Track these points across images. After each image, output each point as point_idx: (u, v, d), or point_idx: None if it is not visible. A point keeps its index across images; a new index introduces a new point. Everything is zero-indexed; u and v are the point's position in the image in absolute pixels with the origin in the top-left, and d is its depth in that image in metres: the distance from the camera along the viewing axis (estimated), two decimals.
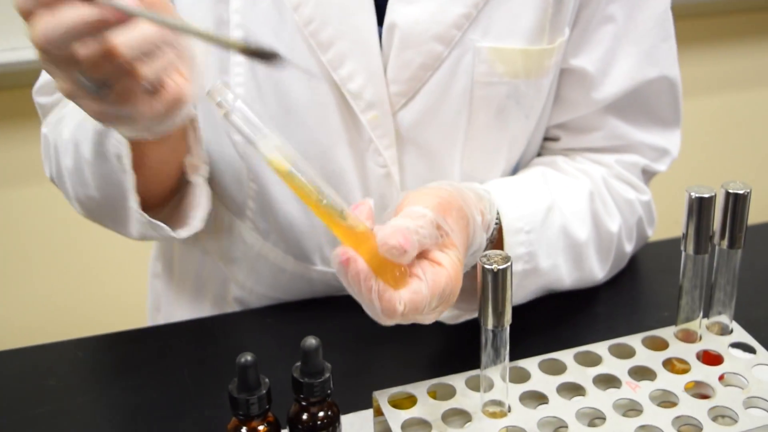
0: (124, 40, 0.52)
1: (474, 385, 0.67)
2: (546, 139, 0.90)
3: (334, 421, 0.61)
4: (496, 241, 0.74)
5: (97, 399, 0.76)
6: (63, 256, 1.76)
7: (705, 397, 0.66)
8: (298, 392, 0.59)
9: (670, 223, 1.08)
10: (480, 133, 0.80)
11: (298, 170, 0.57)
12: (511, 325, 0.61)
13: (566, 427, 0.63)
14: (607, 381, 0.68)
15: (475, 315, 0.63)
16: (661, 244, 0.95)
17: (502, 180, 0.80)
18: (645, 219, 0.89)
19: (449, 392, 0.66)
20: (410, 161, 0.81)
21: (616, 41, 0.81)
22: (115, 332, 0.86)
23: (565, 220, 0.78)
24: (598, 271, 0.84)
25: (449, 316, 0.75)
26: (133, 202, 0.74)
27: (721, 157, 2.13)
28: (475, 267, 0.63)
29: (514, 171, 0.87)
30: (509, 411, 0.65)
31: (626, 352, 0.70)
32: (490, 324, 0.60)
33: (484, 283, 0.58)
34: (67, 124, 0.77)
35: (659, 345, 0.71)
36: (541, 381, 0.67)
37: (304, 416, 0.60)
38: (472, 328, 0.72)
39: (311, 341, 0.58)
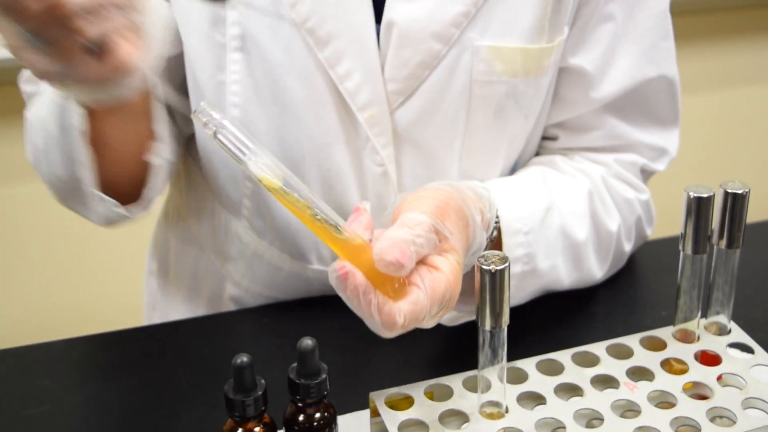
0: None
1: (471, 386, 0.66)
2: (544, 138, 0.89)
3: (330, 423, 0.61)
4: (496, 240, 0.74)
5: (92, 399, 0.75)
6: (60, 253, 1.76)
7: (703, 397, 0.66)
8: (295, 393, 0.59)
9: (668, 222, 1.08)
10: (478, 132, 0.80)
11: (289, 186, 0.57)
12: (508, 325, 0.61)
13: (564, 427, 0.63)
14: (605, 381, 0.67)
15: (473, 317, 0.63)
16: (659, 243, 0.95)
17: (501, 180, 0.80)
18: (644, 218, 0.88)
19: (446, 393, 0.66)
20: (408, 160, 0.80)
21: (615, 40, 0.81)
22: (109, 332, 0.85)
23: (564, 221, 0.78)
24: (596, 271, 0.83)
25: (448, 318, 0.75)
26: (86, 173, 0.73)
27: (720, 154, 2.13)
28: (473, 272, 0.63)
29: (513, 170, 0.87)
30: (507, 412, 0.64)
31: (624, 353, 0.70)
32: (487, 325, 0.60)
33: (482, 284, 0.58)
34: (41, 102, 0.77)
35: (657, 345, 0.71)
36: (538, 382, 0.67)
37: (301, 417, 0.60)
38: (470, 328, 0.72)
39: (307, 342, 0.58)
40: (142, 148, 0.77)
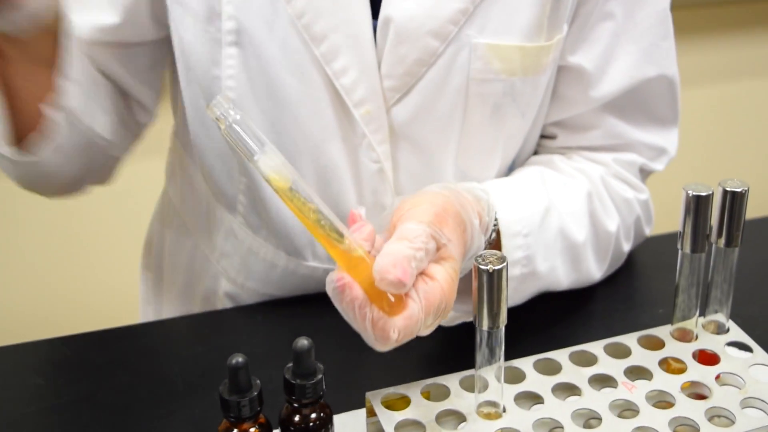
0: None
1: (468, 386, 0.66)
2: (543, 136, 0.89)
3: (326, 423, 0.60)
4: (495, 242, 0.73)
5: (86, 398, 0.75)
6: (54, 248, 1.75)
7: (701, 397, 0.65)
8: (290, 394, 0.58)
9: (665, 219, 1.07)
10: (475, 130, 0.79)
11: (298, 189, 0.56)
12: (506, 325, 0.60)
13: (561, 427, 0.62)
14: (603, 381, 0.67)
15: (471, 318, 0.62)
16: (656, 240, 0.95)
17: (499, 181, 0.79)
18: (643, 218, 0.88)
19: (443, 393, 0.66)
20: (404, 157, 0.80)
21: (615, 39, 0.80)
22: (103, 329, 0.85)
23: (563, 222, 0.77)
24: (595, 272, 0.83)
25: (445, 319, 0.75)
26: None
27: (718, 149, 2.13)
28: (471, 272, 0.63)
29: (511, 169, 0.86)
30: (504, 412, 0.64)
31: (622, 352, 0.70)
32: (485, 325, 0.59)
33: (480, 283, 0.58)
34: None
35: (655, 344, 0.70)
36: (536, 381, 0.67)
37: (296, 418, 0.60)
38: (467, 327, 0.71)
39: (303, 342, 0.57)
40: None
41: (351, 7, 0.73)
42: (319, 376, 0.58)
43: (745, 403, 0.64)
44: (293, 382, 0.58)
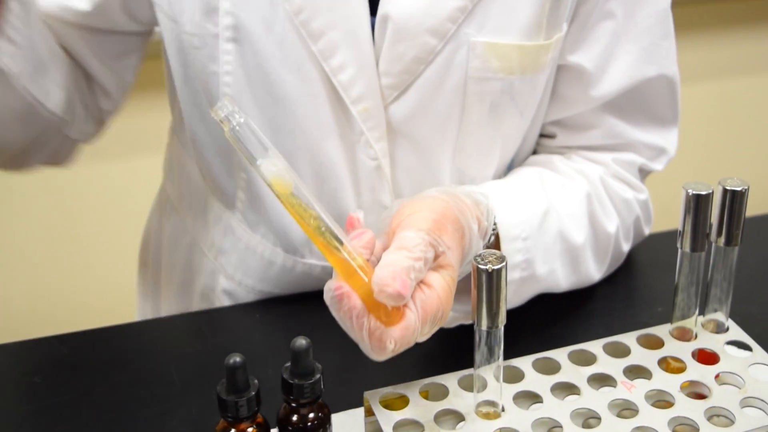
0: None
1: (467, 385, 0.66)
2: (542, 135, 0.89)
3: (324, 423, 0.60)
4: (494, 246, 0.73)
5: (83, 397, 0.75)
6: (51, 244, 1.74)
7: (701, 396, 0.65)
8: (288, 394, 0.58)
9: (664, 216, 1.07)
10: (473, 128, 0.79)
11: (299, 195, 0.56)
12: (504, 324, 0.60)
13: (560, 427, 0.62)
14: (602, 380, 0.67)
15: (470, 321, 0.62)
16: (655, 238, 0.94)
17: (499, 184, 0.78)
18: (642, 218, 0.88)
19: (442, 392, 0.65)
20: (402, 155, 0.80)
21: (615, 38, 0.80)
22: (100, 328, 0.84)
23: (562, 224, 0.77)
24: (594, 273, 0.83)
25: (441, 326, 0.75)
26: None
27: (718, 145, 2.13)
28: (470, 274, 0.63)
29: (509, 168, 0.86)
30: (503, 411, 0.64)
31: (621, 351, 0.69)
32: (484, 325, 0.59)
33: (479, 283, 0.57)
34: None
35: (654, 343, 0.70)
36: (534, 381, 0.66)
37: (294, 418, 0.59)
38: (466, 326, 0.71)
39: (301, 342, 0.57)
40: None
41: (349, 4, 0.73)
42: (317, 375, 0.58)
43: (745, 403, 0.64)
44: (291, 381, 0.58)
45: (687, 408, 0.63)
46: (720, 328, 0.72)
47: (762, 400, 0.64)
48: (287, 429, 0.59)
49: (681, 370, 0.67)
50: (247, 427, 0.58)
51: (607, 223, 0.82)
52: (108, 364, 0.79)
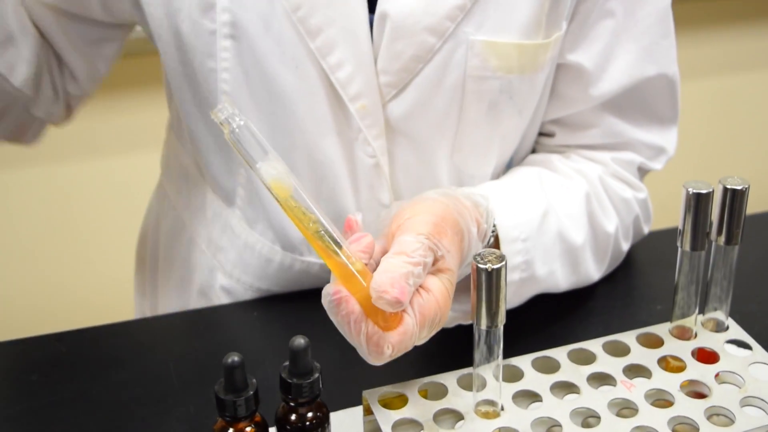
0: None
1: (466, 384, 0.65)
2: (541, 134, 0.88)
3: (323, 422, 0.60)
4: (493, 248, 0.73)
5: (81, 395, 0.74)
6: (49, 241, 1.74)
7: (701, 395, 0.65)
8: (287, 393, 0.58)
9: (664, 214, 1.07)
10: (471, 127, 0.78)
11: (298, 199, 0.56)
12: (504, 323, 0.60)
13: (560, 426, 0.62)
14: (602, 379, 0.67)
15: (469, 321, 0.62)
16: (654, 236, 0.94)
17: (498, 185, 0.78)
18: (642, 217, 0.88)
19: (441, 392, 0.65)
20: (400, 152, 0.79)
21: (615, 37, 0.79)
22: (98, 325, 0.84)
23: (561, 225, 0.77)
24: (594, 273, 0.83)
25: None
26: None
27: (718, 142, 2.13)
28: (469, 275, 0.62)
29: (509, 166, 0.86)
30: (502, 410, 0.63)
31: (620, 350, 0.69)
32: (483, 324, 0.59)
33: (478, 282, 0.57)
34: None
35: (654, 342, 0.70)
36: (534, 380, 0.66)
37: (293, 417, 0.59)
38: (465, 325, 0.71)
39: (300, 341, 0.57)
40: None
41: (347, 1, 0.73)
42: (316, 375, 0.58)
43: (745, 402, 0.64)
44: (289, 381, 0.57)
45: (687, 407, 0.63)
46: (720, 327, 0.72)
47: (762, 400, 0.64)
48: (286, 428, 0.59)
49: (681, 369, 0.67)
50: (246, 427, 0.58)
51: (607, 223, 0.81)
52: (106, 363, 0.79)
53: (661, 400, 0.65)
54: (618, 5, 0.78)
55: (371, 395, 0.64)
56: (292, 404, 0.59)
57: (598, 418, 0.63)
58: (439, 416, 0.63)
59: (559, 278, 0.78)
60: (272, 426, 0.60)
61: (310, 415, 0.59)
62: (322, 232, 0.57)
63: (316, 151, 0.78)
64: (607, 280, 0.87)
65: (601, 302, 0.85)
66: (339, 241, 0.58)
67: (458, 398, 0.65)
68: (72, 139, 1.64)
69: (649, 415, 0.62)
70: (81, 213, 1.72)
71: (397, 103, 0.76)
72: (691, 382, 0.66)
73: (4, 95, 0.78)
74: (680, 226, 0.67)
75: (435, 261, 0.61)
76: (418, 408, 0.63)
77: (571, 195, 0.80)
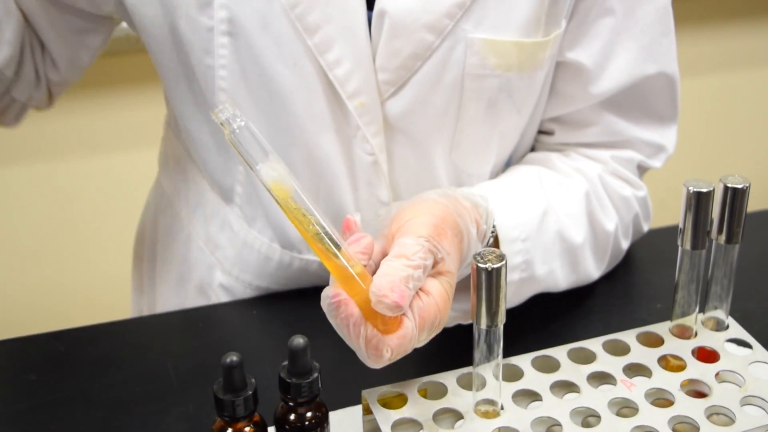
0: None
1: (466, 384, 0.65)
2: (540, 132, 0.88)
3: (322, 422, 0.60)
4: (492, 246, 0.73)
5: (79, 394, 0.74)
6: (46, 238, 1.74)
7: (701, 395, 0.65)
8: (286, 393, 0.58)
9: (664, 212, 1.07)
10: (470, 125, 0.78)
11: (298, 201, 0.56)
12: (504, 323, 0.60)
13: (560, 425, 0.62)
14: (601, 378, 0.67)
15: (469, 321, 0.62)
16: (654, 234, 0.94)
17: (497, 184, 0.78)
18: (641, 215, 0.88)
19: (441, 391, 0.65)
20: (399, 150, 0.79)
21: (615, 35, 0.79)
22: (96, 324, 0.84)
23: (561, 224, 0.77)
24: (593, 272, 0.83)
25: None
26: None
27: (718, 141, 2.12)
28: (468, 275, 0.62)
29: (507, 164, 0.86)
30: (502, 410, 0.63)
31: (620, 349, 0.69)
32: (483, 324, 0.59)
33: (478, 282, 0.57)
34: None
35: (654, 341, 0.70)
36: (534, 379, 0.66)
37: (292, 417, 0.59)
38: (465, 324, 0.70)
39: (299, 340, 0.57)
40: None
41: None
42: (315, 375, 0.57)
43: (745, 401, 0.64)
44: (288, 381, 0.57)
45: (687, 406, 0.63)
46: (720, 326, 0.71)
47: (762, 399, 0.64)
48: (285, 428, 0.59)
49: (681, 368, 0.67)
50: (245, 426, 0.57)
51: (606, 222, 0.81)
52: (104, 361, 0.78)
53: (661, 399, 0.65)
54: (618, 3, 0.78)
55: (370, 395, 0.64)
56: (291, 404, 0.58)
57: (598, 417, 0.62)
58: (438, 416, 0.63)
59: (559, 277, 0.78)
60: (271, 426, 0.60)
61: (309, 414, 0.59)
62: (322, 234, 0.57)
63: (315, 149, 0.78)
64: (607, 278, 0.87)
65: (600, 301, 0.85)
66: (338, 243, 0.57)
67: (458, 398, 0.64)
68: (69, 136, 1.64)
69: (649, 414, 0.62)
70: (78, 210, 1.71)
71: (396, 100, 0.76)
72: (692, 381, 0.66)
73: None
74: (681, 225, 0.67)
75: (435, 263, 0.61)
76: (417, 407, 0.63)
77: (570, 194, 0.79)
